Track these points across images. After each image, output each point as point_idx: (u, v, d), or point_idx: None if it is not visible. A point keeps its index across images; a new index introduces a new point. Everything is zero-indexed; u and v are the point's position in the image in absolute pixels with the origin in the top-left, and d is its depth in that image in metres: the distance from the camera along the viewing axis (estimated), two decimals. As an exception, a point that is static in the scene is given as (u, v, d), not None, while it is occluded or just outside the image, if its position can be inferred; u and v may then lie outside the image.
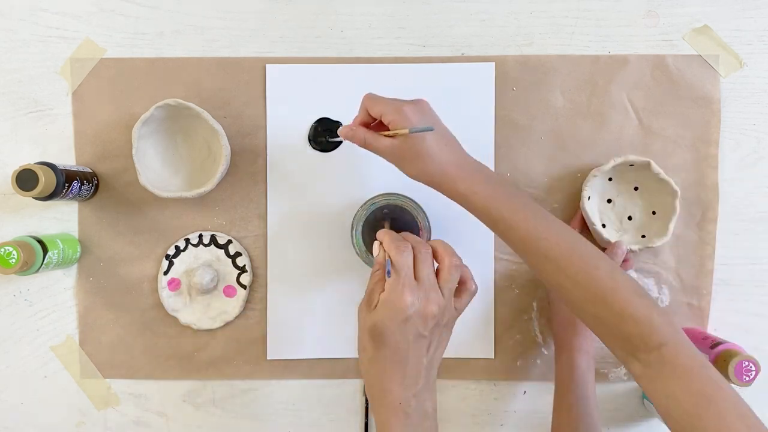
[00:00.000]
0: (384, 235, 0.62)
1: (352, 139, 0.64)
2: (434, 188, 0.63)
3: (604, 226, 0.75)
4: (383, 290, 0.58)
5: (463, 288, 0.61)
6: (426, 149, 0.60)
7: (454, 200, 0.62)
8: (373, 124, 0.65)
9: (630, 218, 0.75)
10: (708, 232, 0.76)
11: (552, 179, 0.76)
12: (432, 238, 0.72)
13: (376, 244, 0.62)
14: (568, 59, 0.76)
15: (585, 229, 0.74)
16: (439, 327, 0.59)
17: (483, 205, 0.60)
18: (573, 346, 0.69)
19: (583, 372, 0.68)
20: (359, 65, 0.76)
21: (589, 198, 0.73)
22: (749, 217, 0.76)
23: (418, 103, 0.62)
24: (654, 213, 0.74)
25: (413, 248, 0.60)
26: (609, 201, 0.76)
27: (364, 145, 0.64)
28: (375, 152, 0.64)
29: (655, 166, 0.71)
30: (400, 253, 0.59)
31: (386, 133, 0.62)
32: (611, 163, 0.72)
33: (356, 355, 0.77)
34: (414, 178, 0.63)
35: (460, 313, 0.61)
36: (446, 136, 0.63)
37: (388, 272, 0.58)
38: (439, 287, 0.59)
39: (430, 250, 0.60)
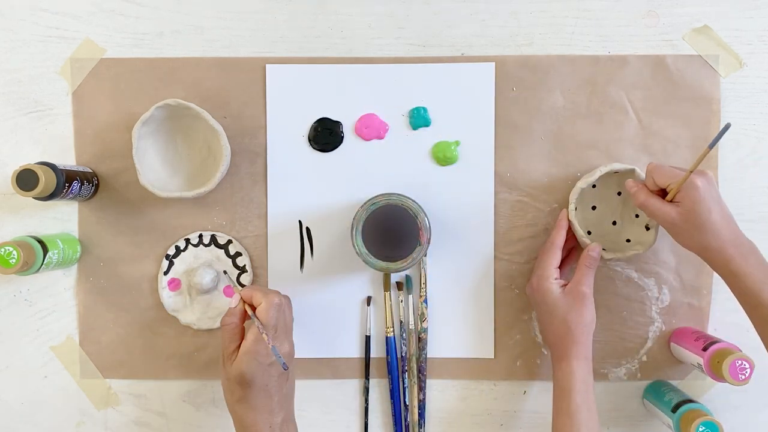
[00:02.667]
0: (246, 290, 0.68)
1: (633, 197, 0.68)
2: (702, 258, 0.65)
3: (589, 233, 0.75)
4: (239, 343, 0.66)
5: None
6: (711, 224, 0.63)
7: (720, 274, 0.65)
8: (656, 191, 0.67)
9: (614, 223, 0.75)
10: (708, 232, 0.76)
11: (552, 179, 0.76)
12: (431, 239, 0.72)
13: (235, 296, 0.68)
14: (568, 59, 0.76)
15: (572, 238, 0.73)
16: (289, 364, 0.67)
17: (752, 288, 0.62)
18: (571, 354, 0.68)
19: (584, 379, 0.67)
20: (359, 65, 0.76)
21: (576, 209, 0.72)
22: (749, 217, 0.76)
23: (707, 175, 0.64)
24: (637, 216, 0.74)
25: (266, 299, 0.66)
26: (593, 208, 0.75)
27: (642, 205, 0.67)
28: (650, 215, 0.67)
29: (639, 174, 0.71)
30: (267, 310, 0.66)
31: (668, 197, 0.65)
32: (596, 174, 0.71)
33: (356, 355, 0.77)
34: (686, 247, 0.66)
35: (291, 361, 0.68)
36: (727, 213, 0.65)
37: (259, 326, 0.65)
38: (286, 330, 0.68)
39: (281, 299, 0.67)
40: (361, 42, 0.76)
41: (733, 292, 0.65)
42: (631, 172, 0.71)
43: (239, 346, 0.66)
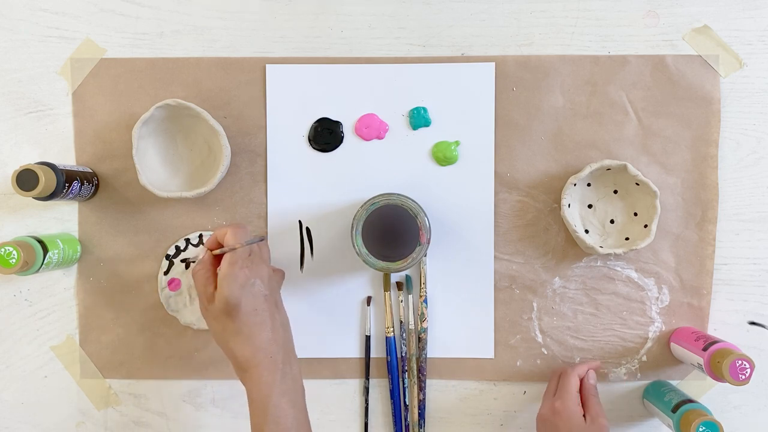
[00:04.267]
0: (212, 235, 0.67)
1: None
2: None
3: (587, 231, 0.75)
4: (215, 282, 0.64)
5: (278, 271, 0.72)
6: None
7: None
8: None
9: (612, 221, 0.75)
10: (708, 232, 0.76)
11: (552, 179, 0.76)
12: (431, 239, 0.72)
13: (200, 249, 0.69)
14: (568, 59, 0.76)
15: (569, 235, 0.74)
16: (272, 287, 0.66)
17: None
18: None
19: None
20: (359, 65, 0.76)
21: (569, 206, 0.73)
22: (749, 217, 0.76)
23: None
24: (636, 215, 0.74)
25: (230, 228, 0.65)
26: (590, 206, 0.75)
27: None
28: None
29: (632, 169, 0.71)
30: (234, 235, 0.64)
31: None
32: (587, 170, 0.71)
33: (356, 355, 0.77)
34: None
35: (276, 292, 0.68)
36: None
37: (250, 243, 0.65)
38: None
39: (243, 227, 0.66)
40: (361, 42, 0.76)
41: None
42: (623, 168, 0.71)
43: (216, 287, 0.64)
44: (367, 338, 0.76)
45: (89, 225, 0.76)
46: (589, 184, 0.75)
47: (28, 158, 0.76)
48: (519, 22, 0.76)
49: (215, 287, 0.64)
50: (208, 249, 0.67)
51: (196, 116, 0.71)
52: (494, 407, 0.77)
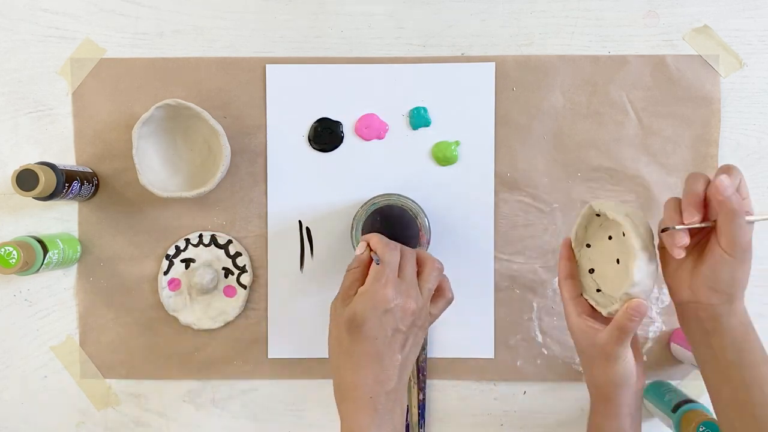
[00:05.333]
0: (373, 235, 0.64)
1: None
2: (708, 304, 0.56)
3: (592, 271, 0.63)
4: (361, 285, 0.60)
5: (440, 294, 0.63)
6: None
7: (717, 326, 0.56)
8: None
9: (618, 261, 0.61)
10: (708, 232, 0.75)
11: (552, 179, 0.76)
12: (431, 239, 0.72)
13: (361, 243, 0.64)
14: (568, 59, 0.76)
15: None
16: (416, 326, 0.60)
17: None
18: (621, 402, 0.58)
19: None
20: (359, 65, 0.76)
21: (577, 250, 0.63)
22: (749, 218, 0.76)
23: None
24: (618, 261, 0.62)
25: (404, 251, 0.62)
26: (588, 246, 0.64)
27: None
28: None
29: (596, 205, 0.60)
30: (390, 251, 0.61)
31: None
32: (577, 221, 0.62)
33: (356, 355, 0.77)
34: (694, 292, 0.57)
35: (434, 319, 0.63)
36: None
37: (377, 261, 0.60)
38: (420, 287, 0.60)
39: (414, 253, 0.63)
40: (361, 42, 0.76)
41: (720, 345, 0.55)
42: (591, 211, 0.61)
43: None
44: (367, 338, 0.76)
45: (89, 225, 0.76)
46: (588, 245, 0.63)
47: (28, 158, 0.76)
48: (519, 22, 0.76)
49: (356, 293, 0.60)
50: (368, 245, 0.63)
51: (196, 116, 0.71)
52: (494, 407, 0.77)
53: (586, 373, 0.61)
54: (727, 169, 0.53)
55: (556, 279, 0.76)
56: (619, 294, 0.56)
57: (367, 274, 0.61)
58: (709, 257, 0.54)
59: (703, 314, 0.55)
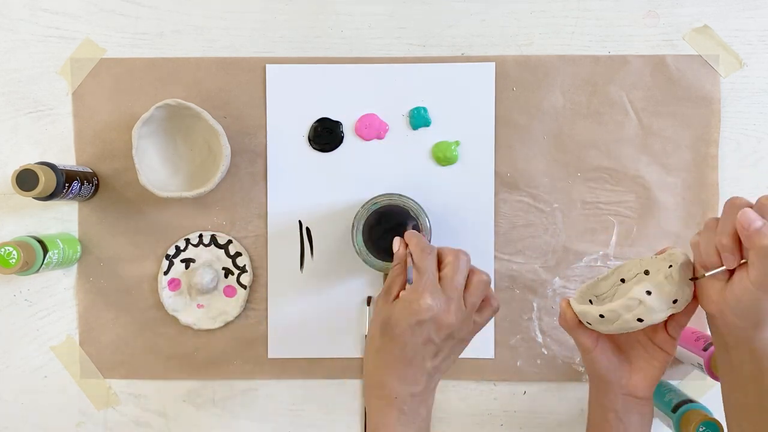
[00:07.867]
0: (412, 236, 0.62)
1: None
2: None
3: (602, 316, 0.57)
4: (403, 285, 0.59)
5: (485, 304, 0.61)
6: None
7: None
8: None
9: (623, 280, 0.60)
10: (708, 232, 0.75)
11: (552, 179, 0.76)
12: (432, 239, 0.72)
13: (396, 239, 0.63)
14: (568, 59, 0.76)
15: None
16: (453, 339, 0.59)
17: None
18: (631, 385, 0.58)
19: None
20: (359, 65, 0.76)
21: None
22: (749, 217, 0.76)
23: None
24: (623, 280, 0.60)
25: (456, 256, 0.59)
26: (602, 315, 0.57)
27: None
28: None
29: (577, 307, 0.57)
30: (425, 257, 0.59)
31: None
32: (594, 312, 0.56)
33: (356, 355, 0.77)
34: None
35: (479, 328, 0.61)
36: None
37: (410, 280, 0.58)
38: (464, 299, 0.58)
39: (468, 261, 0.59)
40: (361, 42, 0.76)
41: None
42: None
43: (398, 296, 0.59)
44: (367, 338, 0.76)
45: (89, 225, 0.76)
46: (602, 315, 0.55)
47: (28, 158, 0.76)
48: (519, 22, 0.76)
49: (398, 294, 0.59)
50: (402, 241, 0.62)
51: (196, 116, 0.71)
52: (494, 407, 0.77)
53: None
54: (755, 204, 0.51)
55: (556, 279, 0.76)
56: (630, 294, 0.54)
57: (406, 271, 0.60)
58: (738, 286, 0.51)
59: (725, 330, 0.54)
